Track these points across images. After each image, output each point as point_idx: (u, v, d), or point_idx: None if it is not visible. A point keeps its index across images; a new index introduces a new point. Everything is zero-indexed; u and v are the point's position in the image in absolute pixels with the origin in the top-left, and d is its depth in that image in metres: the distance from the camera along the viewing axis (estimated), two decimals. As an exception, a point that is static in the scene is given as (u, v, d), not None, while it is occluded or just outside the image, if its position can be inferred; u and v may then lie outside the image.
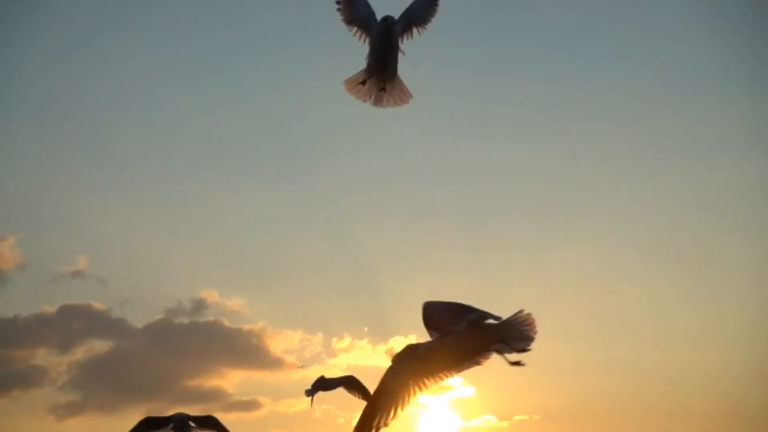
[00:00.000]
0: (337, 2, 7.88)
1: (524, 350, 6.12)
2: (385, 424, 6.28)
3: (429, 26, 7.98)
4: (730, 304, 18.85)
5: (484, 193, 20.19)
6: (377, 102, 7.96)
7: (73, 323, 19.15)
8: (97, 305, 19.18)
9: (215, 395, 18.60)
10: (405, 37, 7.89)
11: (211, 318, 19.72)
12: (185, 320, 19.45)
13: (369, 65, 7.80)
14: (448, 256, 19.65)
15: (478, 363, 6.26)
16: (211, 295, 19.31)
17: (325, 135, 20.49)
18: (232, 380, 19.48)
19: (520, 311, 6.10)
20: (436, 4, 8.00)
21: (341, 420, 18.85)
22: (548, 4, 20.69)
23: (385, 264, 18.84)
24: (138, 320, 19.66)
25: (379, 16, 7.74)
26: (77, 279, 19.35)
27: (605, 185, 20.41)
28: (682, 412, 17.67)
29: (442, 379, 6.34)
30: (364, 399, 11.12)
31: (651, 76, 20.68)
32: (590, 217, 20.06)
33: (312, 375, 19.58)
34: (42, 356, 19.13)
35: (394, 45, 7.76)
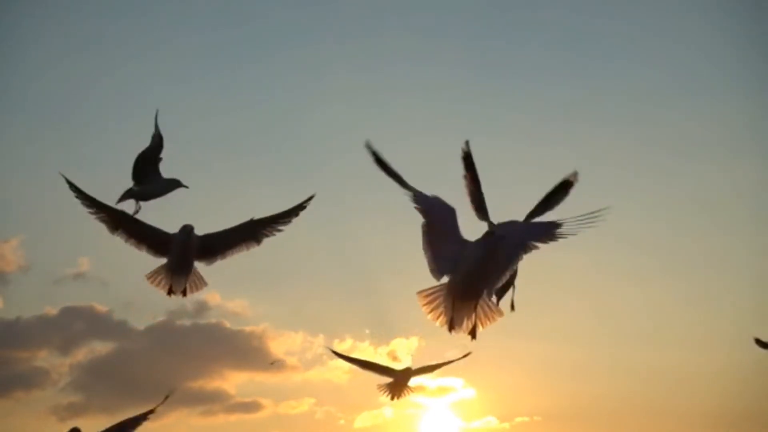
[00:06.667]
0: None
1: None
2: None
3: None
4: (731, 305, 18.86)
5: (486, 195, 20.21)
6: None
7: (75, 325, 19.19)
8: (100, 307, 19.21)
9: (217, 397, 18.65)
10: None
11: (213, 320, 19.74)
12: (187, 322, 19.48)
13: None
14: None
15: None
16: (213, 297, 19.33)
17: (327, 136, 20.52)
18: (233, 382, 19.52)
19: None
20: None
21: (342, 422, 18.90)
22: (549, 4, 20.73)
23: (386, 266, 18.84)
24: (140, 322, 19.68)
25: None
26: (80, 281, 19.38)
27: (605, 186, 20.42)
28: (684, 414, 17.68)
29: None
30: None
31: (651, 76, 20.72)
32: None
33: (314, 375, 19.65)
34: (44, 358, 19.17)
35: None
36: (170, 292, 8.01)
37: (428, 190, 6.47)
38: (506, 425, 17.79)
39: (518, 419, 18.15)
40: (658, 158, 20.50)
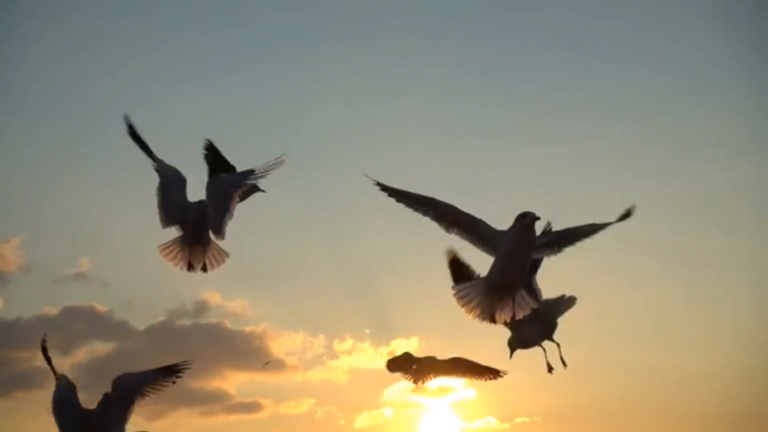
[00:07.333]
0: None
1: None
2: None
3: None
4: (731, 306, 18.85)
5: (486, 196, 20.21)
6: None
7: (75, 325, 19.19)
8: (100, 307, 19.23)
9: (217, 397, 18.63)
10: None
11: (213, 320, 19.75)
12: (187, 322, 19.48)
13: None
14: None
15: None
16: (214, 297, 19.33)
17: (327, 136, 20.52)
18: (234, 382, 19.52)
19: None
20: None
21: (342, 422, 18.88)
22: (549, 4, 20.73)
23: (387, 266, 18.84)
24: (140, 322, 19.69)
25: None
26: (80, 281, 19.39)
27: (605, 187, 20.42)
28: (684, 414, 17.67)
29: None
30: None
31: (651, 77, 20.72)
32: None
33: (314, 375, 19.62)
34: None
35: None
36: (190, 267, 7.46)
37: (428, 189, 6.50)
38: (506, 425, 17.78)
39: (518, 419, 18.15)
40: (658, 158, 20.49)
